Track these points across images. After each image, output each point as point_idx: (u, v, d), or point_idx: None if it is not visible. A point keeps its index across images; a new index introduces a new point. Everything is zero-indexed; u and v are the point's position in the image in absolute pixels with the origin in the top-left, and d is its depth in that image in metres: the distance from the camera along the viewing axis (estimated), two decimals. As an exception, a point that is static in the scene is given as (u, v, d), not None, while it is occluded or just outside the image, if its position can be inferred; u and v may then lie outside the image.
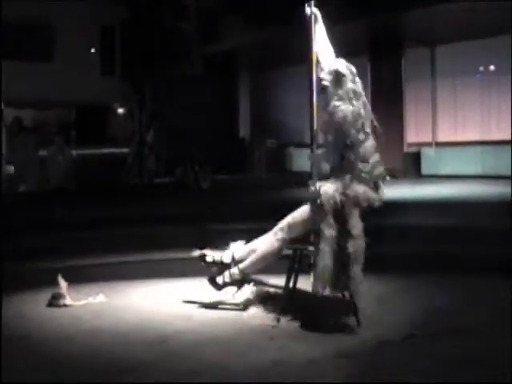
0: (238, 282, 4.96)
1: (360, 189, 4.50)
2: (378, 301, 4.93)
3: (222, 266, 4.98)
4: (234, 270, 4.92)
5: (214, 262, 5.00)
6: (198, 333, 4.36)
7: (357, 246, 4.41)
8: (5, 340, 4.21)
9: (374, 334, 4.18)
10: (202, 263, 5.03)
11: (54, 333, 4.44)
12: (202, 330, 4.41)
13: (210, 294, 5.34)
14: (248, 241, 5.00)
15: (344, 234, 4.41)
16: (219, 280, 4.97)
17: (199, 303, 5.02)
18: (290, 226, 4.72)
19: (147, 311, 4.91)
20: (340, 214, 4.42)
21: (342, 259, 4.38)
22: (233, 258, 4.97)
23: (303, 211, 4.66)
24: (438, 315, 4.63)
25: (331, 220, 4.40)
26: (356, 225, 4.44)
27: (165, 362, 3.80)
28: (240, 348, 3.98)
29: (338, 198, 4.41)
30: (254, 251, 4.91)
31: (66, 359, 3.90)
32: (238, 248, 5.01)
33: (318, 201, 4.43)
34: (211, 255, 5.01)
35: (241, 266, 4.90)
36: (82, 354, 3.97)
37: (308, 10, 4.94)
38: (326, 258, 4.36)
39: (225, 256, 5.00)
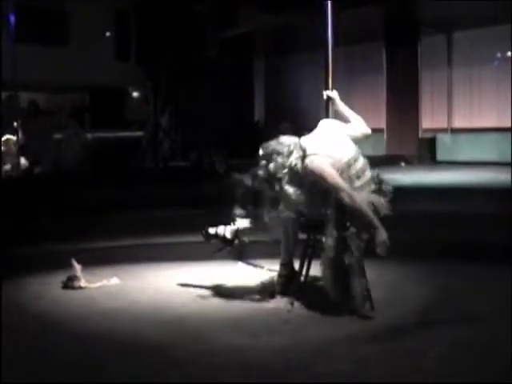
0: (228, 241, 4.88)
1: (364, 195, 4.40)
2: (390, 286, 4.95)
3: (224, 242, 4.91)
4: (232, 229, 4.87)
5: (216, 236, 4.92)
6: (212, 315, 4.38)
7: (353, 257, 4.32)
8: (20, 320, 4.27)
9: (387, 320, 4.19)
10: (203, 234, 4.94)
11: (68, 313, 4.49)
12: (217, 313, 4.44)
13: (226, 276, 5.38)
14: None
15: (343, 242, 4.31)
16: (211, 230, 4.92)
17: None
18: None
19: (162, 293, 4.94)
20: (341, 222, 4.32)
21: (339, 269, 4.32)
22: (236, 235, 4.91)
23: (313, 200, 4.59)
24: (448, 301, 4.63)
25: (333, 229, 4.31)
26: (357, 235, 4.32)
27: (181, 342, 3.83)
28: (254, 330, 4.01)
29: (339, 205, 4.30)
30: None
31: (80, 339, 3.94)
32: (243, 226, 4.93)
33: None
34: (214, 228, 4.92)
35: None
36: (97, 335, 4.01)
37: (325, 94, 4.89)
38: (326, 265, 4.34)
39: (228, 231, 4.90)
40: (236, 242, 4.93)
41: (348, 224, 4.33)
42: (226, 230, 4.92)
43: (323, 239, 4.42)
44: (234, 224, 4.92)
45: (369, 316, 4.27)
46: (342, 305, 4.33)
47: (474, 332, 3.93)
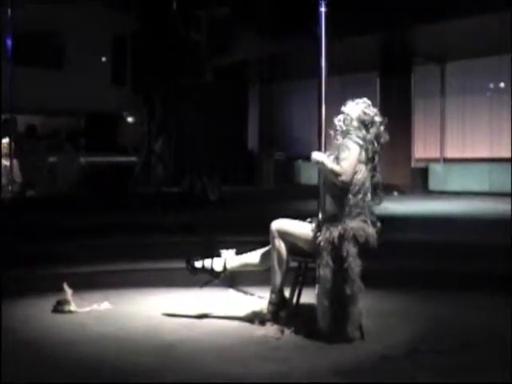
0: (216, 273, 4.90)
1: (357, 224, 4.45)
2: (381, 315, 4.95)
3: (212, 275, 4.93)
4: (219, 262, 4.89)
5: (203, 269, 4.93)
6: (202, 342, 4.37)
7: (354, 287, 4.38)
8: (9, 344, 4.24)
9: (377, 348, 4.19)
10: (189, 268, 4.94)
11: (58, 338, 4.47)
12: (207, 339, 4.42)
13: (217, 303, 5.37)
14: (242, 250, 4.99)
15: (341, 274, 4.37)
16: (197, 264, 4.92)
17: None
18: (285, 232, 4.71)
19: (152, 319, 4.93)
20: (338, 254, 4.38)
21: (338, 300, 4.36)
22: (224, 267, 4.93)
23: (304, 232, 4.65)
24: (441, 331, 4.63)
25: (328, 259, 4.38)
26: (354, 265, 4.38)
27: (168, 369, 3.82)
28: (243, 358, 4.00)
29: (336, 234, 4.38)
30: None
31: (69, 364, 3.92)
32: (230, 258, 4.95)
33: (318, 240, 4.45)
34: (200, 261, 4.94)
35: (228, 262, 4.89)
36: (85, 360, 3.99)
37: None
38: (322, 298, 4.38)
39: (215, 264, 4.92)
40: (223, 275, 4.93)
41: (345, 254, 4.34)
42: (213, 263, 4.91)
43: (317, 267, 4.42)
44: (220, 255, 4.92)
45: (359, 345, 4.27)
46: (333, 334, 4.32)
47: (459, 361, 3.93)
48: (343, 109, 4.72)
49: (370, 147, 4.56)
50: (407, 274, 6.34)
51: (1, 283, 5.65)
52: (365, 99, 4.76)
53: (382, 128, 4.65)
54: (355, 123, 4.63)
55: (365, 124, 4.62)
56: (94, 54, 19.68)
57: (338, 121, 4.70)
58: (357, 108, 4.69)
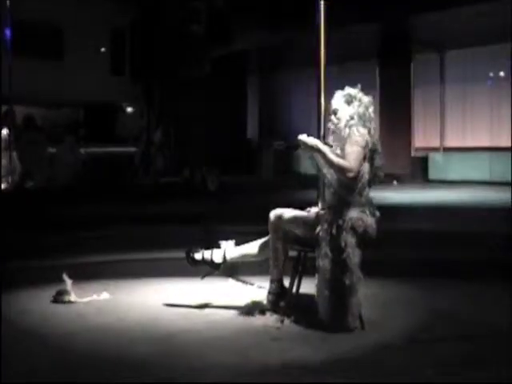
0: (216, 265, 4.89)
1: (356, 214, 4.40)
2: (381, 305, 4.94)
3: (212, 266, 4.92)
4: (219, 253, 4.88)
5: (203, 261, 4.92)
6: (201, 332, 4.37)
7: (353, 278, 4.35)
8: (9, 335, 4.23)
9: (377, 338, 4.19)
10: (189, 260, 4.93)
11: (57, 328, 4.46)
12: (206, 330, 4.42)
13: (216, 293, 5.37)
14: (241, 241, 4.98)
15: (340, 264, 4.35)
16: (197, 256, 4.91)
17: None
18: (284, 222, 4.69)
19: (152, 309, 4.93)
20: (336, 244, 4.35)
21: (338, 290, 4.33)
22: (224, 259, 4.91)
23: (304, 222, 4.62)
24: (441, 321, 4.63)
25: (327, 250, 4.36)
26: (352, 256, 4.35)
27: (168, 360, 3.82)
28: (242, 349, 3.99)
29: (334, 225, 4.35)
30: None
31: (68, 355, 3.92)
32: (230, 249, 4.92)
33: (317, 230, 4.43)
34: (200, 253, 4.92)
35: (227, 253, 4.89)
36: (85, 351, 3.99)
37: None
38: (322, 288, 4.37)
39: (215, 255, 4.90)
40: (222, 266, 4.92)
41: (343, 244, 4.33)
42: (213, 255, 4.90)
43: (317, 258, 4.42)
44: (220, 246, 4.91)
45: (359, 335, 4.27)
46: (333, 324, 4.32)
47: (459, 352, 3.92)
48: (332, 107, 4.66)
49: (367, 118, 4.52)
50: (407, 264, 6.34)
51: (0, 274, 5.65)
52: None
53: (360, 94, 4.57)
54: (344, 106, 4.58)
55: (350, 102, 4.56)
56: (93, 44, 19.67)
57: (333, 119, 4.64)
58: (338, 97, 4.63)
